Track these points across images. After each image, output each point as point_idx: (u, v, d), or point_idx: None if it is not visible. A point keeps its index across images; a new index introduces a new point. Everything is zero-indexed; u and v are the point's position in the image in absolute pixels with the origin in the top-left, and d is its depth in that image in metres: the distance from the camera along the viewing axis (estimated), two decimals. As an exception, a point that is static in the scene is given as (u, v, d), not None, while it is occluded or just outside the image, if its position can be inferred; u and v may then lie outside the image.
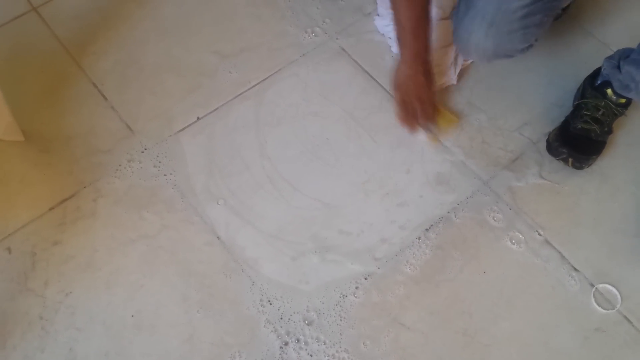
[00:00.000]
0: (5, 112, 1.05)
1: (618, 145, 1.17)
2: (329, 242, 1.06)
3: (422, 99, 1.08)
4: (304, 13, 1.32)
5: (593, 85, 1.14)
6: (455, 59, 1.19)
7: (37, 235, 1.04)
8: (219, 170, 1.12)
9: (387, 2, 1.14)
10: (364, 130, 1.17)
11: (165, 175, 1.11)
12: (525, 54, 1.07)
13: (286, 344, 0.97)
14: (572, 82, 1.22)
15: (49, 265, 1.01)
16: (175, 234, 1.05)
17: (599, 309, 1.01)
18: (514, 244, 1.06)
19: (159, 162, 1.12)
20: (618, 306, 1.01)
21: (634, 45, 1.07)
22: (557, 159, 1.13)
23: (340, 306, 1.00)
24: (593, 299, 1.02)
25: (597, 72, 1.16)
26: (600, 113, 1.11)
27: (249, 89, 1.21)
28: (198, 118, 1.18)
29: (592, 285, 1.03)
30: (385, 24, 1.27)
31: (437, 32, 1.21)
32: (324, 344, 0.97)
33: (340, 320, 0.99)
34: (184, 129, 1.16)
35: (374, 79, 1.23)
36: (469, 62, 1.24)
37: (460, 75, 1.22)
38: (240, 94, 1.21)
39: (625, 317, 1.00)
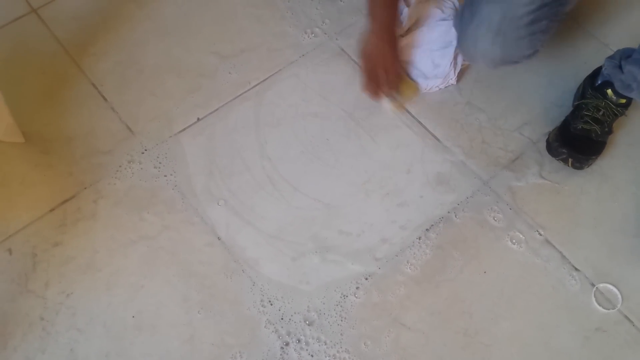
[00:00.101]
0: (5, 114, 1.05)
1: (618, 145, 1.17)
2: (330, 242, 1.06)
3: (387, 67, 1.12)
4: (304, 14, 1.32)
5: (593, 86, 1.14)
6: (455, 59, 1.20)
7: (37, 236, 1.04)
8: (219, 171, 1.12)
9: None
10: (363, 131, 1.17)
11: (165, 176, 1.11)
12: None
13: (287, 344, 0.97)
14: (571, 82, 1.22)
15: (49, 266, 1.01)
16: (175, 234, 1.05)
17: (600, 308, 1.01)
18: (514, 244, 1.06)
19: (159, 163, 1.12)
20: (619, 306, 1.01)
21: (633, 45, 1.07)
22: (557, 159, 1.13)
23: (341, 306, 1.00)
24: (594, 299, 1.02)
25: (597, 72, 1.16)
26: (600, 113, 1.11)
27: (248, 90, 1.21)
28: (198, 119, 1.18)
29: (593, 285, 1.03)
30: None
31: (436, 32, 1.21)
32: (325, 344, 0.97)
33: (341, 320, 0.99)
34: (184, 129, 1.16)
35: (374, 80, 1.23)
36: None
37: (460, 75, 1.23)
38: (240, 95, 1.21)
39: (626, 317, 1.00)
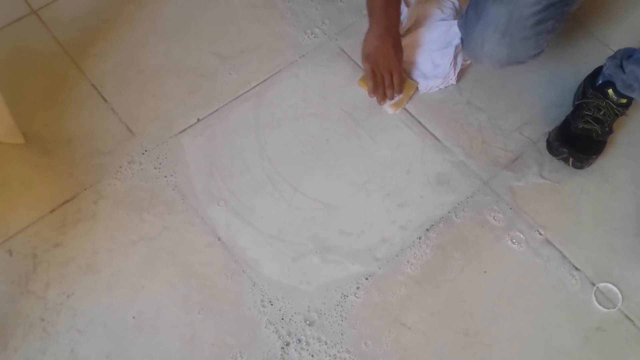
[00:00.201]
0: (5, 115, 1.05)
1: (619, 144, 1.17)
2: (330, 242, 1.06)
3: (390, 70, 1.12)
4: (304, 14, 1.32)
5: (594, 85, 1.14)
6: (455, 58, 1.20)
7: (38, 237, 1.04)
8: (219, 171, 1.12)
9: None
10: (363, 131, 1.17)
11: (165, 176, 1.11)
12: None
13: (287, 344, 0.97)
14: (572, 81, 1.22)
15: (50, 267, 1.01)
16: (176, 235, 1.05)
17: (600, 308, 1.01)
18: (514, 244, 1.06)
19: (160, 163, 1.12)
20: (619, 305, 1.01)
21: (634, 45, 1.07)
22: (558, 159, 1.13)
23: (342, 306, 1.00)
24: (594, 298, 1.02)
25: (597, 72, 1.16)
26: (601, 113, 1.11)
27: (248, 90, 1.21)
28: (198, 119, 1.18)
29: (593, 284, 1.03)
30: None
31: (436, 32, 1.21)
32: (325, 344, 0.97)
33: (342, 320, 0.99)
34: (184, 130, 1.16)
35: (374, 80, 1.23)
36: (469, 62, 1.24)
37: (460, 75, 1.23)
38: (240, 95, 1.21)
39: (626, 316, 1.00)
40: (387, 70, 1.12)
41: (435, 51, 1.21)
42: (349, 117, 1.19)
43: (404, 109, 1.19)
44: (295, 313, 0.99)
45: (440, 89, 1.22)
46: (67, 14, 1.30)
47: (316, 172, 1.13)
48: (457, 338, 0.98)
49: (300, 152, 1.14)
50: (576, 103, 1.16)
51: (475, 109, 1.20)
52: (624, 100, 1.11)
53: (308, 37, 1.29)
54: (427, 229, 1.07)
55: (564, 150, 1.10)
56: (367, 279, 1.02)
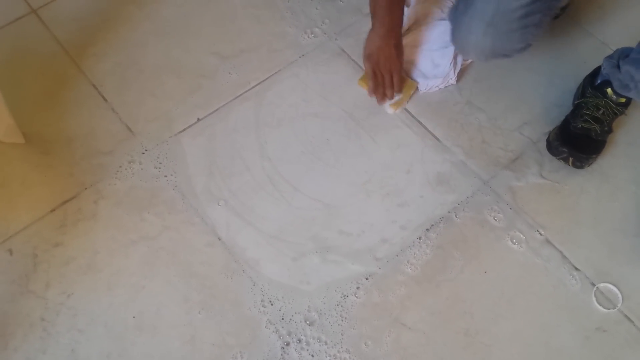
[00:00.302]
0: (5, 115, 1.05)
1: (618, 144, 1.17)
2: (330, 242, 1.06)
3: (391, 70, 1.12)
4: (304, 14, 1.32)
5: (593, 85, 1.14)
6: (455, 58, 1.20)
7: (38, 237, 1.04)
8: (219, 171, 1.12)
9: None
10: (363, 131, 1.17)
11: (165, 176, 1.11)
12: (524, 54, 1.08)
13: (288, 344, 0.97)
14: (571, 81, 1.22)
15: (50, 266, 1.01)
16: (176, 235, 1.05)
17: (600, 308, 1.01)
18: (514, 244, 1.06)
19: (160, 163, 1.12)
20: (619, 305, 1.01)
21: (633, 45, 1.07)
22: (558, 159, 1.13)
23: (342, 306, 1.00)
24: (594, 298, 1.02)
25: (596, 72, 1.16)
26: (600, 112, 1.11)
27: (248, 90, 1.21)
28: (198, 119, 1.18)
29: (593, 285, 1.03)
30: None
31: (436, 32, 1.21)
32: (326, 344, 0.97)
33: (342, 320, 0.99)
34: (184, 130, 1.16)
35: (374, 80, 1.23)
36: (469, 61, 1.24)
37: (460, 75, 1.23)
38: (240, 95, 1.21)
39: (626, 317, 1.01)
40: (388, 70, 1.12)
41: (435, 51, 1.21)
42: (349, 117, 1.19)
43: (404, 109, 1.19)
44: (295, 313, 0.99)
45: (440, 88, 1.22)
46: (67, 14, 1.30)
47: (316, 172, 1.13)
48: (457, 338, 0.98)
49: (300, 152, 1.14)
50: (575, 102, 1.16)
51: (475, 108, 1.20)
52: (623, 100, 1.11)
53: (308, 37, 1.29)
54: (427, 229, 1.07)
55: (564, 150, 1.10)
56: (367, 278, 1.02)
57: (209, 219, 1.07)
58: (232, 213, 1.08)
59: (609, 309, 1.01)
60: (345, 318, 0.99)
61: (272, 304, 1.00)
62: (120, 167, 1.11)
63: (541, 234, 1.07)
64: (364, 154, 1.15)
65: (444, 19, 1.23)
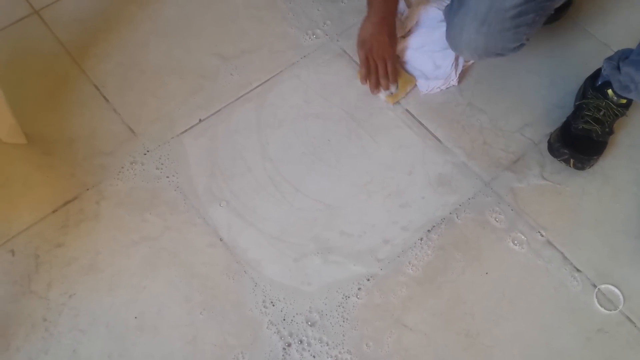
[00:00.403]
0: (7, 115, 1.05)
1: (620, 145, 1.17)
2: (331, 243, 1.06)
3: (384, 58, 1.14)
4: (305, 15, 1.32)
5: (594, 86, 1.14)
6: (457, 60, 1.20)
7: (40, 237, 1.04)
8: (221, 172, 1.12)
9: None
10: (365, 132, 1.17)
11: (167, 177, 1.11)
12: (525, 55, 1.08)
13: (289, 345, 0.97)
14: (573, 82, 1.23)
15: (52, 267, 1.02)
16: (177, 235, 1.05)
17: (602, 309, 1.01)
18: (516, 245, 1.06)
19: (162, 164, 1.12)
20: (620, 307, 1.01)
21: (634, 46, 1.07)
22: (559, 160, 1.13)
23: (343, 307, 1.00)
24: (595, 300, 1.02)
25: (597, 73, 1.16)
26: (601, 113, 1.11)
27: (250, 91, 1.21)
28: (200, 120, 1.18)
29: (595, 286, 1.03)
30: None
31: (437, 33, 1.21)
32: (327, 345, 0.97)
33: (343, 321, 0.99)
34: (186, 131, 1.16)
35: (376, 81, 1.23)
36: (470, 63, 1.24)
37: (462, 77, 1.23)
38: (241, 96, 1.21)
39: (628, 318, 1.01)
40: (381, 57, 1.13)
41: (436, 52, 1.21)
42: (350, 117, 1.19)
43: (406, 110, 1.19)
44: (296, 314, 0.99)
45: (442, 90, 1.22)
46: (69, 15, 1.31)
47: (318, 172, 1.13)
48: (458, 339, 0.98)
49: (301, 153, 1.15)
50: (576, 103, 1.16)
51: (476, 110, 1.20)
52: (624, 101, 1.11)
53: (309, 38, 1.29)
54: (428, 230, 1.07)
55: (565, 151, 1.11)
56: (368, 279, 1.02)
57: (210, 219, 1.07)
58: (233, 214, 1.08)
59: (610, 311, 1.01)
60: (347, 319, 0.99)
61: (273, 305, 1.00)
62: (122, 167, 1.12)
63: (542, 235, 1.07)
64: (365, 155, 1.15)
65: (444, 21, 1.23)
